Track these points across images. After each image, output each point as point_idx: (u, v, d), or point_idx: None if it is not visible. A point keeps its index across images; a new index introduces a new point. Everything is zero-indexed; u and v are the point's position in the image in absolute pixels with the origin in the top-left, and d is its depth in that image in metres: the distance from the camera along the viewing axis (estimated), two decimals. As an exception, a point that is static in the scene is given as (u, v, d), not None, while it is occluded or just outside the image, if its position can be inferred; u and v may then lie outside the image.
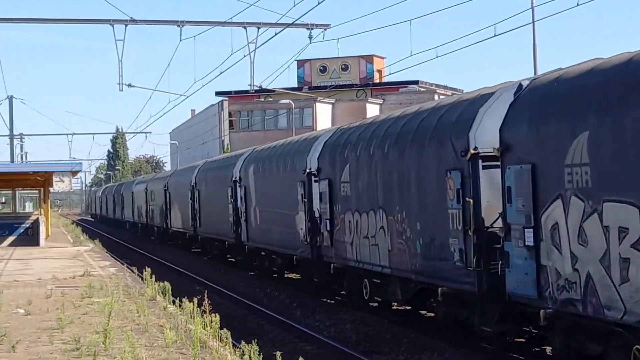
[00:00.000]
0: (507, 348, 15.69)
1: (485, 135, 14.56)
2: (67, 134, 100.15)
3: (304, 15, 26.05)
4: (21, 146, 75.09)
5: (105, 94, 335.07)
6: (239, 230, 33.18)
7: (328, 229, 22.60)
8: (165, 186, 52.06)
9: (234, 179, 33.38)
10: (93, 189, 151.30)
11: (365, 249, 20.06)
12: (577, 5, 23.11)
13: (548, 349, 15.09)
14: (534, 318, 13.14)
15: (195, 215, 42.17)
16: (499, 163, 13.88)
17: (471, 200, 14.61)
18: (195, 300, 15.50)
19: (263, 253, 30.70)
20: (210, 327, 13.64)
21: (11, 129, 62.66)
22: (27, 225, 42.06)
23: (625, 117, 11.02)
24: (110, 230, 77.99)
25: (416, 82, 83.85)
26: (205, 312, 14.36)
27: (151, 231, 61.43)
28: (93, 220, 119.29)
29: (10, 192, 55.41)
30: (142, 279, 22.77)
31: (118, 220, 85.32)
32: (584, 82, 12.29)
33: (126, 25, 28.57)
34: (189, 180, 43.79)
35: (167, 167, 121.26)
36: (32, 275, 25.58)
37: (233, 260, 38.07)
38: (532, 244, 12.87)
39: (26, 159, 78.79)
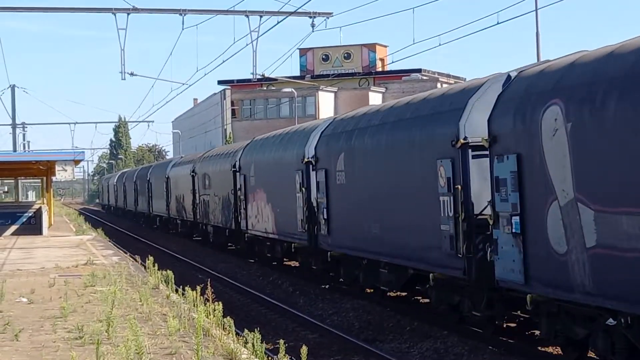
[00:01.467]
0: (500, 334, 15.71)
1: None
2: (69, 123, 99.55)
3: (306, 3, 25.91)
4: (23, 135, 75.08)
5: (108, 82, 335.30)
6: (477, 255, 15.51)
7: None
8: (234, 166, 34.33)
9: (458, 142, 15.88)
10: (105, 175, 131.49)
11: None
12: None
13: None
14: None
15: (312, 217, 24.85)
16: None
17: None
18: (198, 288, 15.50)
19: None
20: (214, 316, 13.65)
21: (13, 118, 62.70)
22: (30, 214, 42.07)
23: None
24: (132, 228, 61.45)
25: (419, 71, 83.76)
26: (208, 300, 14.37)
27: (203, 233, 43.84)
28: (104, 212, 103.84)
29: (13, 181, 55.40)
30: (144, 267, 22.80)
31: (142, 215, 67.40)
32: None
33: (128, 14, 28.52)
34: (295, 156, 26.03)
35: (170, 156, 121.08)
36: (35, 264, 25.61)
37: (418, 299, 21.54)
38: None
39: (28, 148, 78.72)
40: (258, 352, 11.44)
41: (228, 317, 13.28)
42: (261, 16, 29.34)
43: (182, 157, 56.41)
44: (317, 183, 24.18)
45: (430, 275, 17.13)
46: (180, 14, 29.06)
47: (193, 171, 44.42)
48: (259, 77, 35.76)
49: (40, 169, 44.44)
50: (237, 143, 41.46)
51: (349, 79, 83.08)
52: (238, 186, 33.70)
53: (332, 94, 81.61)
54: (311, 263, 26.24)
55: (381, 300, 21.35)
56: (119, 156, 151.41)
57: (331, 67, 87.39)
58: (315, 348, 16.20)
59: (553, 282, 12.70)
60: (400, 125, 18.81)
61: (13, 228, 41.49)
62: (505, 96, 14.17)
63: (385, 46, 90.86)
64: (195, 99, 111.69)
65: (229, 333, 12.75)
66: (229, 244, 38.63)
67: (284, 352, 10.40)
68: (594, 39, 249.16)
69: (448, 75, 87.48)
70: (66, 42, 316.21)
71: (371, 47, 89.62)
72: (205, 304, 14.46)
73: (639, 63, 11.07)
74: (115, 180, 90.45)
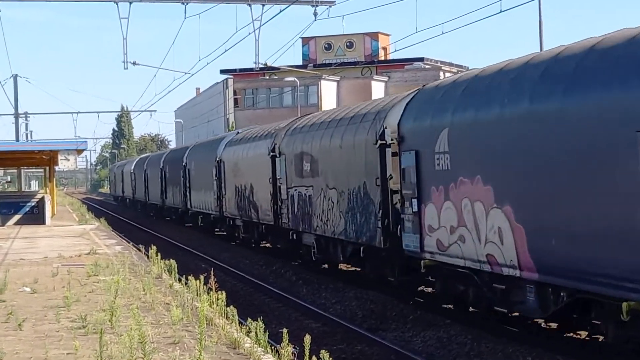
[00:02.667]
0: (511, 325, 15.70)
1: None
2: (72, 113, 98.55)
3: (308, -8, 26.01)
4: (26, 125, 75.04)
5: (110, 72, 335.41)
6: None
7: None
8: (382, 137, 19.84)
9: None
10: (117, 162, 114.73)
11: None
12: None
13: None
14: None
15: None
16: None
17: None
18: (202, 278, 15.51)
19: None
20: (217, 305, 13.65)
21: (16, 108, 62.64)
22: (33, 204, 42.12)
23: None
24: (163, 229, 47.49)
25: (421, 59, 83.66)
26: (211, 289, 14.37)
27: (292, 244, 28.18)
28: (116, 203, 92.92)
29: (16, 170, 55.45)
30: (147, 257, 22.81)
31: (173, 210, 54.04)
32: None
33: (130, 3, 28.50)
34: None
35: (172, 146, 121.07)
36: (38, 253, 25.62)
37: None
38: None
39: (31, 137, 78.79)
40: (261, 341, 11.44)
41: (231, 306, 13.28)
42: (263, 5, 29.30)
43: (238, 132, 40.23)
44: None
45: None
46: (183, 3, 29.03)
47: (273, 150, 29.26)
48: (261, 66, 35.72)
49: (43, 159, 44.48)
50: (375, 100, 23.93)
51: (351, 67, 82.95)
52: (388, 173, 19.62)
53: (335, 83, 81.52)
54: None
55: (384, 289, 21.35)
56: (122, 146, 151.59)
57: (334, 56, 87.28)
58: (319, 337, 16.19)
59: None
60: None
61: (16, 218, 41.54)
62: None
63: (388, 35, 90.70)
64: (197, 89, 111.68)
65: (232, 322, 12.76)
66: (347, 265, 25.74)
67: (287, 341, 10.39)
68: (596, 26, 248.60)
69: (451, 64, 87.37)
70: (68, 31, 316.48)
71: (374, 36, 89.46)
72: (208, 293, 14.46)
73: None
74: (132, 167, 75.26)
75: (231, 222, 37.56)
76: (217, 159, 38.51)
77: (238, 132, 39.11)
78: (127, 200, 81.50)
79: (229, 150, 37.16)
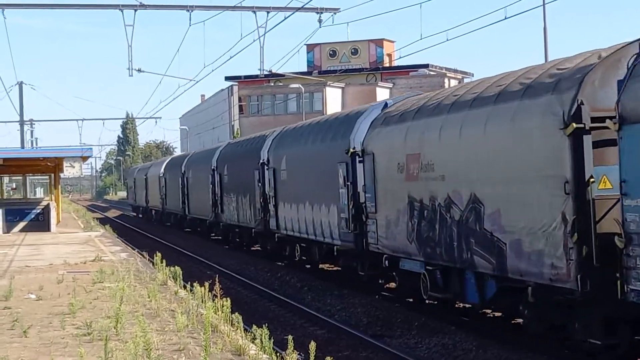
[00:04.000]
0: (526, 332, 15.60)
1: None
2: (77, 120, 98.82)
3: (313, -1, 26.05)
4: (31, 132, 75.20)
5: (115, 79, 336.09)
6: None
7: None
8: None
9: None
10: (138, 165, 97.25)
11: None
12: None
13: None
14: None
15: None
16: None
17: None
18: (207, 284, 15.52)
19: None
20: (222, 312, 13.65)
21: (21, 115, 62.74)
22: (38, 211, 42.11)
23: None
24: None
25: (426, 66, 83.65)
26: (216, 296, 14.38)
27: None
28: (139, 216, 76.46)
29: (21, 178, 55.45)
30: (152, 264, 22.81)
31: (241, 230, 36.56)
32: None
33: (135, 10, 28.58)
34: None
35: (178, 152, 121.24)
36: (44, 260, 25.63)
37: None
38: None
39: (36, 144, 78.86)
40: (266, 348, 11.44)
41: (236, 313, 13.28)
42: (268, 12, 29.36)
43: (387, 103, 22.43)
44: None
45: None
46: (188, 10, 29.09)
47: (575, 115, 12.70)
48: (266, 73, 35.72)
49: (48, 166, 44.52)
50: None
51: (356, 74, 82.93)
52: None
53: (340, 90, 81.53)
54: None
55: (389, 296, 21.33)
56: (127, 153, 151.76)
57: (338, 63, 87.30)
58: (324, 344, 16.17)
59: None
60: None
61: (21, 225, 41.54)
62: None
63: (393, 41, 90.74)
64: (202, 95, 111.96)
65: (237, 329, 12.75)
66: None
67: (292, 348, 10.39)
68: (601, 34, 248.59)
69: (455, 71, 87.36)
70: (73, 38, 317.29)
71: (378, 43, 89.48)
72: (213, 300, 14.47)
73: None
74: (161, 170, 59.56)
75: (387, 263, 20.28)
76: (353, 150, 22.19)
77: (386, 105, 22.18)
78: (153, 212, 65.80)
79: (385, 133, 20.35)
